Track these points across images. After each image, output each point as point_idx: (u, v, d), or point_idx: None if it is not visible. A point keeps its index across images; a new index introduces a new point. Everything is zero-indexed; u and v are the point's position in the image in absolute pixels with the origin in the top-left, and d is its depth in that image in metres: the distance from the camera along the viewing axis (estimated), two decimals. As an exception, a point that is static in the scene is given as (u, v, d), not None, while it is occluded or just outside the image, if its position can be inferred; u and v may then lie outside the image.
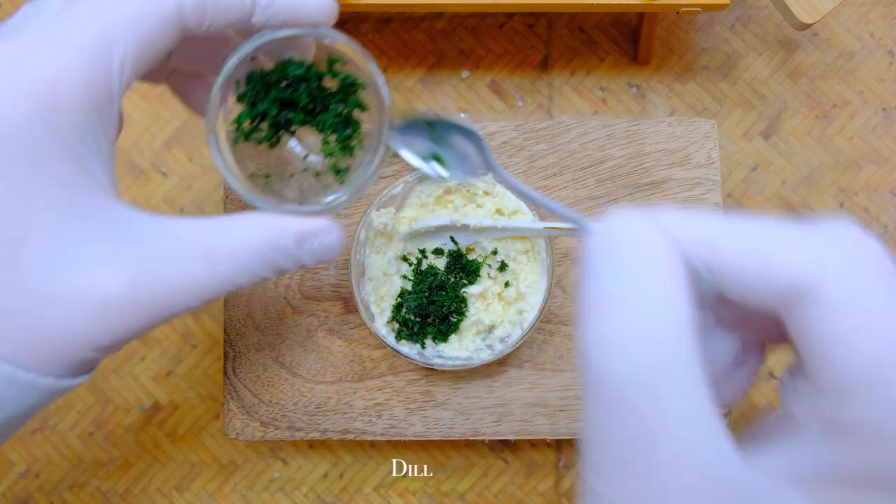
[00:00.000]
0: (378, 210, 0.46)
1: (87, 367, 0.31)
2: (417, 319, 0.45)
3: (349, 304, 0.47)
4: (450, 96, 0.56)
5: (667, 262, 0.24)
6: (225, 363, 0.47)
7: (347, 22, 0.56)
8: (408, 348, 0.44)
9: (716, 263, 0.24)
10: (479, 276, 0.45)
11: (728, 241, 0.24)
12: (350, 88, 0.36)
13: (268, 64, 0.36)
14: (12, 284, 0.29)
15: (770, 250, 0.24)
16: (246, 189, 0.34)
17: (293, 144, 0.37)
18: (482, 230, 0.45)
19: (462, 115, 0.55)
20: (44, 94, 0.29)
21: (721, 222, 0.25)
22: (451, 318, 0.45)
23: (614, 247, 0.24)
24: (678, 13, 0.49)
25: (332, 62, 0.36)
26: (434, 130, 0.35)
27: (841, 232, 0.24)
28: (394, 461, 0.53)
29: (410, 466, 0.53)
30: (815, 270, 0.23)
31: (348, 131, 0.36)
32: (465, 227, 0.45)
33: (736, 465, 0.22)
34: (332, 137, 0.36)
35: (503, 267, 0.45)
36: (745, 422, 0.52)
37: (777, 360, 0.53)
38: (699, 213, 0.25)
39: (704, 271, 0.24)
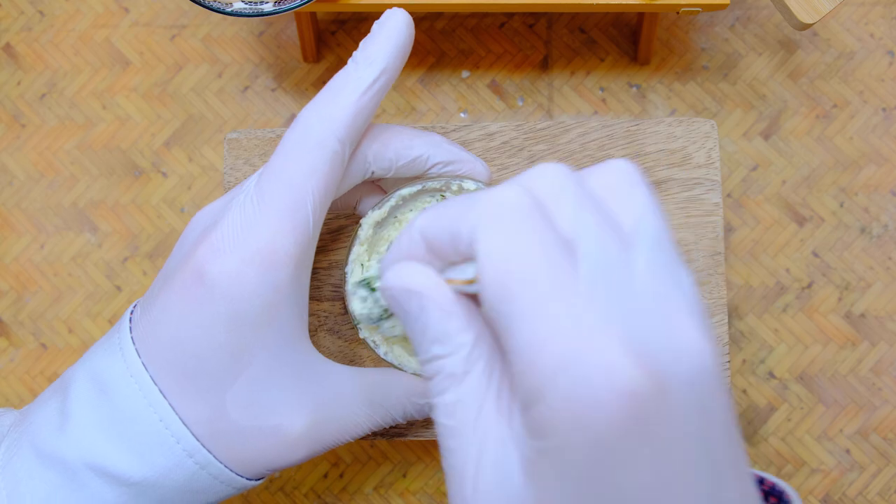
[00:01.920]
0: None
1: (265, 475, 0.40)
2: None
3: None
4: (450, 96, 0.56)
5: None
6: (225, 363, 0.47)
7: (347, 22, 0.56)
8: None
9: (429, 250, 0.29)
10: None
11: (426, 228, 0.29)
12: None
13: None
14: (235, 412, 0.37)
15: (448, 223, 0.28)
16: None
17: None
18: None
19: (462, 115, 0.55)
20: (266, 255, 0.36)
21: (422, 216, 0.30)
22: None
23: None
24: (678, 13, 0.49)
25: None
26: None
27: (495, 189, 0.27)
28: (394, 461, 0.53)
29: (410, 466, 0.53)
30: (472, 227, 0.27)
31: None
32: None
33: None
34: None
35: None
36: (744, 421, 0.52)
37: (777, 360, 0.53)
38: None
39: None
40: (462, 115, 0.55)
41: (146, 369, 0.37)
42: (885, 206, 0.54)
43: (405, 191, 0.42)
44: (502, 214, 0.26)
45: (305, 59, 0.56)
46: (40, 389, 0.53)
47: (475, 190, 0.42)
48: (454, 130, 0.47)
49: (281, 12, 0.46)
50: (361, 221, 0.42)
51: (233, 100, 0.56)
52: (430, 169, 0.42)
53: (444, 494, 0.52)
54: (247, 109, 0.56)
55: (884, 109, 0.55)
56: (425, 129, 0.48)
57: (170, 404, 0.37)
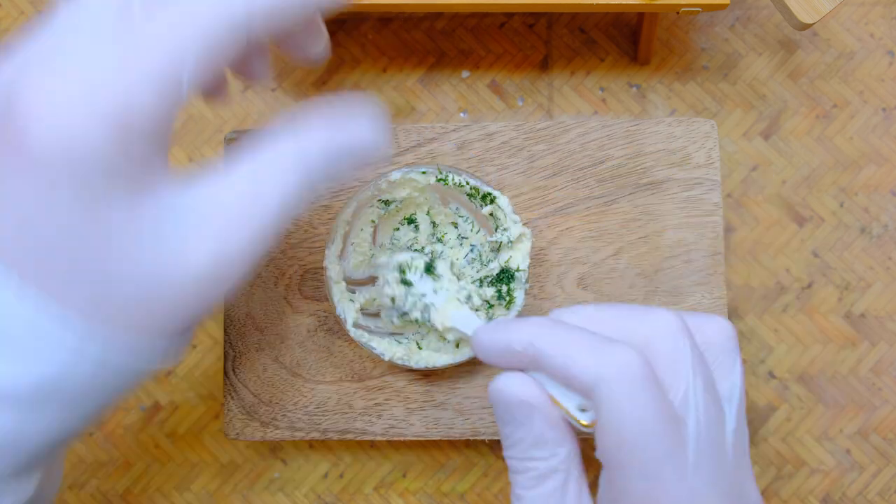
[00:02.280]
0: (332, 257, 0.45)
1: (183, 333, 0.33)
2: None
3: (349, 304, 0.47)
4: (450, 96, 0.56)
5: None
6: (225, 363, 0.47)
7: (347, 22, 0.56)
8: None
9: (539, 366, 0.34)
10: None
11: (544, 349, 0.33)
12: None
13: None
14: (118, 282, 0.30)
15: (565, 363, 0.33)
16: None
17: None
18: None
19: (462, 115, 0.55)
20: (117, 119, 0.29)
21: (541, 331, 0.34)
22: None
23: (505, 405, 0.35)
24: (678, 13, 0.49)
25: None
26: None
27: (620, 351, 0.32)
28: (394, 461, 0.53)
29: (410, 466, 0.53)
30: (594, 380, 0.32)
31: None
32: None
33: None
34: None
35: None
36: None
37: (777, 360, 0.53)
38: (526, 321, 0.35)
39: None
40: (462, 115, 0.55)
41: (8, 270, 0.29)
42: (885, 206, 0.54)
43: (347, 214, 0.44)
44: (624, 380, 0.32)
45: (305, 59, 0.56)
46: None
47: (400, 180, 0.44)
48: (454, 130, 0.47)
49: None
50: (326, 263, 0.44)
51: (233, 100, 0.56)
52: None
53: (444, 494, 0.52)
54: (247, 109, 0.56)
55: (884, 109, 0.55)
56: (425, 128, 0.48)
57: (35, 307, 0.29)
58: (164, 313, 0.31)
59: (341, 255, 0.45)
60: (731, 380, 0.34)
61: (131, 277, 0.31)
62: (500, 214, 0.44)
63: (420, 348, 0.45)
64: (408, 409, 0.47)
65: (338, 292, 0.44)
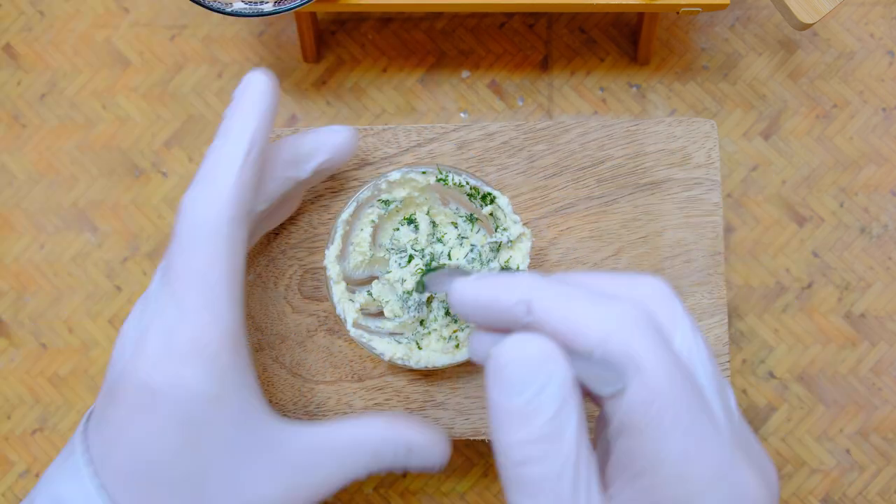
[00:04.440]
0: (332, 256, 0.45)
1: None
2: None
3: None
4: (450, 96, 0.56)
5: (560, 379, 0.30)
6: (225, 363, 0.47)
7: (347, 22, 0.56)
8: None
9: (533, 324, 0.31)
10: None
11: (542, 307, 0.31)
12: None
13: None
14: (198, 499, 0.37)
15: (570, 317, 0.31)
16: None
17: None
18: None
19: (462, 115, 0.55)
20: (198, 352, 0.37)
21: (539, 288, 0.32)
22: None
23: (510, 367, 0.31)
24: (678, 13, 0.49)
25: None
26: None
27: (625, 304, 0.31)
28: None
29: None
30: (602, 336, 0.30)
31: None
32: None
33: None
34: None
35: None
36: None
37: (777, 360, 0.53)
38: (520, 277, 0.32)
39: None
40: (462, 115, 0.55)
41: (105, 491, 0.37)
42: (885, 206, 0.54)
43: (345, 215, 0.44)
44: (643, 332, 0.30)
45: (305, 59, 0.56)
46: (40, 389, 0.54)
47: (399, 180, 0.44)
48: (454, 130, 0.47)
49: (281, 12, 0.46)
50: (326, 263, 0.44)
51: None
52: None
53: (444, 494, 0.52)
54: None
55: (884, 109, 0.55)
56: (425, 128, 0.48)
57: None
58: None
59: (341, 256, 0.45)
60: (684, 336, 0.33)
61: (227, 502, 0.38)
62: (499, 214, 0.44)
63: (420, 348, 0.45)
64: (408, 409, 0.47)
65: (338, 292, 0.44)
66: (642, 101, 0.55)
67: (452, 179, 0.44)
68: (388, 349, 0.44)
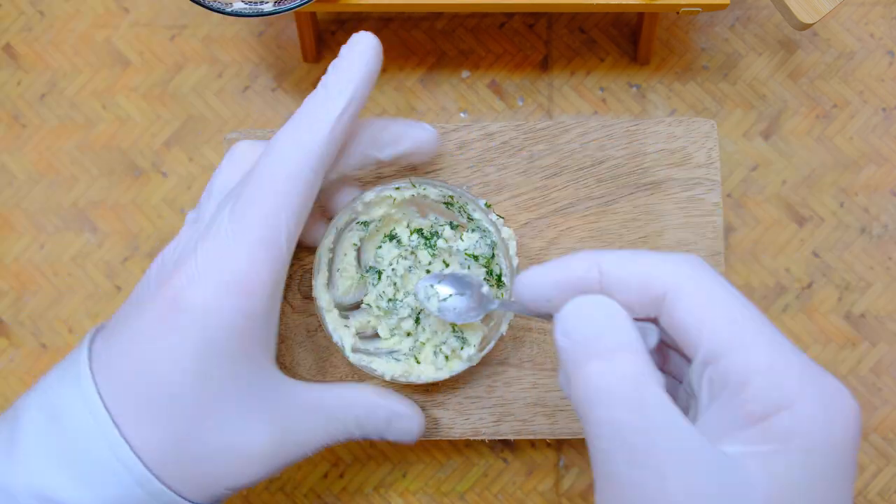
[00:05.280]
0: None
1: (221, 499, 0.40)
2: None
3: (349, 304, 0.47)
4: (450, 96, 0.56)
5: (624, 329, 0.32)
6: (225, 363, 0.47)
7: (347, 22, 0.56)
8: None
9: (605, 284, 0.33)
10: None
11: (613, 265, 0.33)
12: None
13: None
14: (196, 438, 0.38)
15: (640, 270, 0.33)
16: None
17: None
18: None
19: (462, 115, 0.55)
20: (242, 285, 0.37)
21: (605, 253, 0.34)
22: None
23: (585, 321, 0.33)
24: (678, 13, 0.49)
25: None
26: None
27: (682, 257, 0.33)
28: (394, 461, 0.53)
29: (410, 466, 0.53)
30: (674, 279, 0.32)
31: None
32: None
33: (707, 446, 0.30)
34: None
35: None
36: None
37: (777, 360, 0.53)
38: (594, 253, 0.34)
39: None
40: (462, 115, 0.55)
41: (101, 398, 0.37)
42: (885, 206, 0.54)
43: (340, 220, 0.44)
44: (701, 272, 0.33)
45: (305, 59, 0.56)
46: (40, 389, 0.54)
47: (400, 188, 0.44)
48: (454, 130, 0.47)
49: (281, 12, 0.46)
50: (315, 294, 0.44)
51: (233, 100, 0.56)
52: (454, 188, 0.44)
53: (444, 494, 0.52)
54: (247, 109, 0.56)
55: (884, 109, 0.55)
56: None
57: (121, 433, 0.37)
58: (226, 482, 0.39)
59: (329, 283, 0.45)
60: None
61: (217, 443, 0.38)
62: (480, 218, 0.44)
63: (418, 362, 0.45)
64: (408, 409, 0.47)
65: (331, 321, 0.44)
66: (642, 101, 0.55)
67: (426, 191, 0.44)
68: (388, 369, 0.44)
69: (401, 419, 0.43)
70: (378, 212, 0.44)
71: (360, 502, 0.53)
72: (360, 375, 0.47)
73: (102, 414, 0.37)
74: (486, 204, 0.44)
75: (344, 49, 0.40)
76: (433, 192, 0.44)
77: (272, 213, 0.38)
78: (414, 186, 0.44)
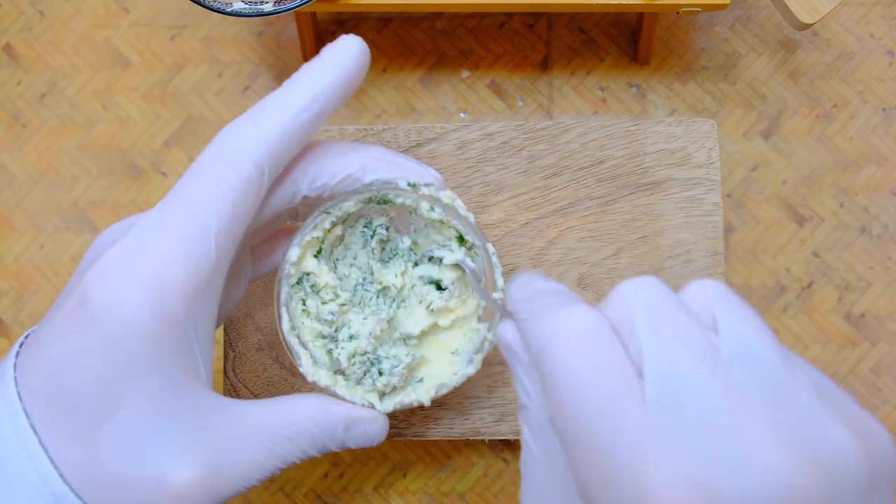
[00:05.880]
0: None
1: None
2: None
3: (349, 304, 0.47)
4: (450, 96, 0.56)
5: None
6: (225, 363, 0.47)
7: (347, 22, 0.56)
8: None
9: None
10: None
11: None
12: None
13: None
14: (110, 460, 0.33)
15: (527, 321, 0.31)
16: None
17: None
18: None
19: (462, 115, 0.55)
20: (152, 282, 0.33)
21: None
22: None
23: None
24: (678, 13, 0.49)
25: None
26: None
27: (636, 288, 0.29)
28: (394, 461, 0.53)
29: (410, 466, 0.53)
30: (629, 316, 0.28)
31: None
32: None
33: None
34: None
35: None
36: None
37: (777, 360, 0.53)
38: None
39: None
40: (462, 115, 0.55)
41: (21, 401, 0.33)
42: (885, 206, 0.54)
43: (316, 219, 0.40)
44: (569, 343, 0.28)
45: (305, 59, 0.56)
46: (40, 389, 0.53)
47: (411, 188, 0.40)
48: (454, 130, 0.47)
49: (281, 12, 0.46)
50: (311, 379, 0.40)
51: (233, 100, 0.56)
52: (368, 185, 0.39)
53: (444, 494, 0.52)
54: (247, 109, 0.56)
55: (884, 109, 0.55)
56: (425, 128, 0.48)
57: (40, 442, 0.33)
58: None
59: (314, 360, 0.41)
60: (732, 333, 0.29)
61: (134, 471, 0.34)
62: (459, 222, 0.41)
63: (381, 397, 0.41)
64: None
65: (306, 363, 0.40)
66: (642, 101, 0.55)
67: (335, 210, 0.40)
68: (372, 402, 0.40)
69: (360, 423, 0.38)
70: (310, 265, 0.41)
71: (360, 502, 0.53)
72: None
73: (22, 419, 0.33)
74: (409, 184, 0.40)
75: (324, 49, 0.37)
76: (350, 205, 0.40)
77: (201, 206, 0.34)
78: (329, 213, 0.40)
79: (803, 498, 0.24)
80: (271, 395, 0.47)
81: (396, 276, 0.43)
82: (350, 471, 0.53)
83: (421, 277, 0.43)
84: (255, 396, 0.47)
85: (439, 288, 0.42)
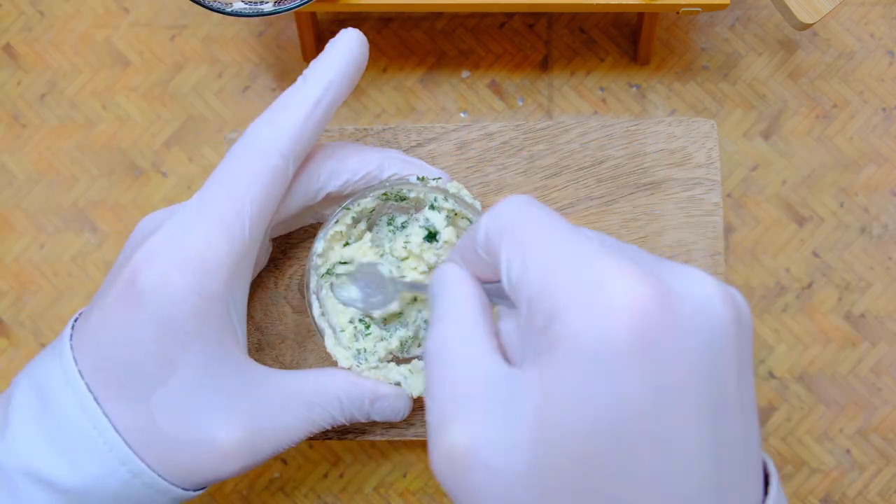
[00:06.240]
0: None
1: (202, 486, 0.39)
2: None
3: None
4: (450, 96, 0.56)
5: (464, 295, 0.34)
6: (225, 363, 0.47)
7: (347, 22, 0.56)
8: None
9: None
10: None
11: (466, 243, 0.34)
12: None
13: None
14: (165, 425, 0.37)
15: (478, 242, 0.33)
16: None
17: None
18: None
19: (462, 115, 0.55)
20: (196, 262, 0.37)
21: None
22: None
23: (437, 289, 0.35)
24: (678, 13, 0.49)
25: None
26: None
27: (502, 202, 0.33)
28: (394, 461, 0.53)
29: (410, 466, 0.53)
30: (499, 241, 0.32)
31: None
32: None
33: (493, 362, 0.31)
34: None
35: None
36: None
37: (777, 360, 0.53)
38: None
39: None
40: (462, 115, 0.55)
41: (81, 376, 0.37)
42: (885, 206, 0.54)
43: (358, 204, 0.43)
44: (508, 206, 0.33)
45: (305, 59, 0.56)
46: (40, 389, 0.54)
47: (433, 182, 0.43)
48: (454, 130, 0.47)
49: (281, 12, 0.46)
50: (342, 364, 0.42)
51: (233, 100, 0.56)
52: (383, 182, 0.43)
53: (444, 494, 0.52)
54: (247, 109, 0.56)
55: (884, 109, 0.55)
56: (425, 128, 0.48)
57: (103, 411, 0.37)
58: (190, 468, 0.38)
59: (336, 339, 0.43)
60: None
61: (187, 434, 0.38)
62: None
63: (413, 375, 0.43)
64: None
65: (335, 350, 0.43)
66: (642, 101, 0.55)
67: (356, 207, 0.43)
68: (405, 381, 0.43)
69: (386, 398, 0.41)
70: (335, 255, 0.43)
71: (360, 502, 0.53)
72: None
73: (84, 391, 0.37)
74: (418, 178, 0.43)
75: (328, 44, 0.41)
76: (368, 201, 0.43)
77: (236, 192, 0.38)
78: (349, 209, 0.43)
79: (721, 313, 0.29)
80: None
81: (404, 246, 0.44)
82: (350, 471, 0.53)
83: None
84: (255, 396, 0.47)
85: (432, 238, 0.44)
